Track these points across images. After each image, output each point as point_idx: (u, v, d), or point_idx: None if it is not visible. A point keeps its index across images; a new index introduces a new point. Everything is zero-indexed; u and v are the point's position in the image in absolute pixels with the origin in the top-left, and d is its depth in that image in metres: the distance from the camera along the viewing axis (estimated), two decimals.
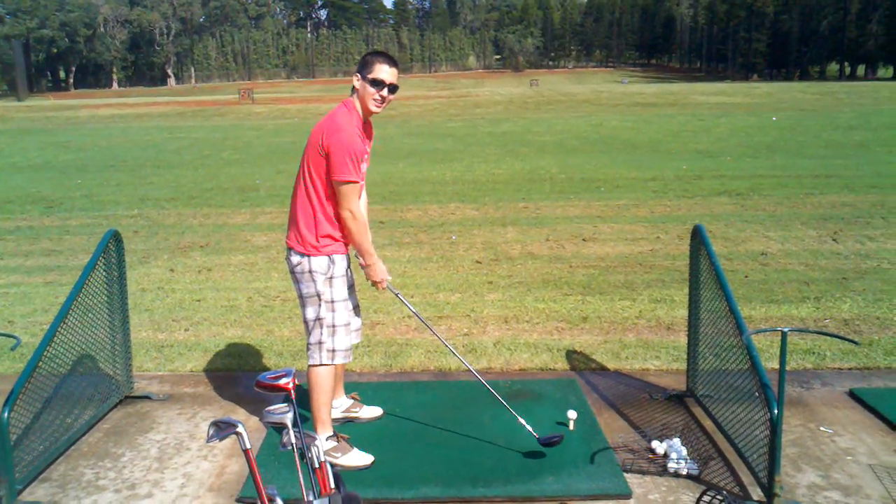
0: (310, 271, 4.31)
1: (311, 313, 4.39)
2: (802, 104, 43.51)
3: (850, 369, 5.79)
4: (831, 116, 33.49)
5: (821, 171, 16.45)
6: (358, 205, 4.29)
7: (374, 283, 4.53)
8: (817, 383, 5.53)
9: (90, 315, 4.96)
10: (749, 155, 20.11)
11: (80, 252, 10.22)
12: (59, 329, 4.47)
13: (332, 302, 4.37)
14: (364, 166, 4.43)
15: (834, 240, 10.05)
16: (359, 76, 4.31)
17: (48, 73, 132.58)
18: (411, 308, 4.80)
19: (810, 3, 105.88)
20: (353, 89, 4.36)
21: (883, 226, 10.89)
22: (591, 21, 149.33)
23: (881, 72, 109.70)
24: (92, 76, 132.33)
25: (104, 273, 5.14)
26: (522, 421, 4.61)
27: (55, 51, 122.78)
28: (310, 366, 4.44)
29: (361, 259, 4.47)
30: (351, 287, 4.60)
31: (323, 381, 4.41)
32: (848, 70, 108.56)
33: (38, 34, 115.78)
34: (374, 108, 4.33)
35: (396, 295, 4.72)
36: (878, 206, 12.41)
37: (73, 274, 8.46)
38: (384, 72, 4.28)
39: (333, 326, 4.39)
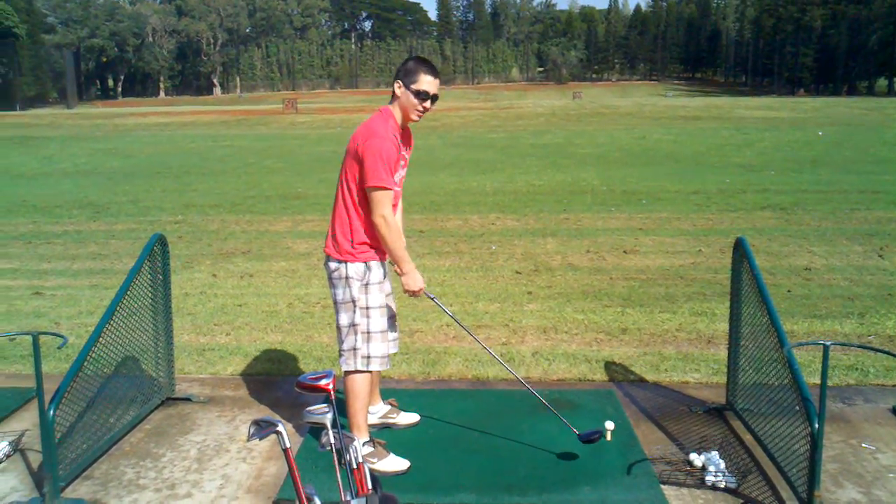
0: (346, 277, 4.34)
1: (345, 319, 4.42)
2: (849, 119, 42.88)
3: (893, 386, 5.70)
4: (879, 132, 32.95)
5: (867, 187, 16.19)
6: (391, 211, 4.25)
7: (412, 293, 4.45)
8: (860, 399, 5.45)
9: (135, 317, 5.04)
10: (794, 169, 19.86)
11: (125, 256, 10.39)
12: (104, 330, 4.54)
13: (368, 308, 4.38)
14: (401, 172, 4.44)
15: (880, 256, 9.90)
16: (401, 84, 4.28)
17: (97, 81, 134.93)
18: (448, 312, 4.82)
19: (859, 17, 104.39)
20: (393, 96, 4.34)
21: None
22: (636, 34, 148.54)
23: None
24: (140, 85, 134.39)
25: (149, 276, 5.22)
26: (563, 419, 4.68)
27: (104, 59, 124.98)
28: (345, 372, 4.47)
29: (397, 267, 4.43)
30: (388, 296, 4.62)
31: (358, 387, 4.44)
32: None
33: (88, 43, 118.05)
34: (415, 118, 4.34)
35: (433, 300, 4.73)
36: None
37: (118, 277, 8.60)
38: (428, 83, 4.27)
39: (368, 332, 4.40)
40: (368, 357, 4.41)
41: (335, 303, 4.46)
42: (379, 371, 4.61)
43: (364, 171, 4.16)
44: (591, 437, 4.55)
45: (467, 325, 4.99)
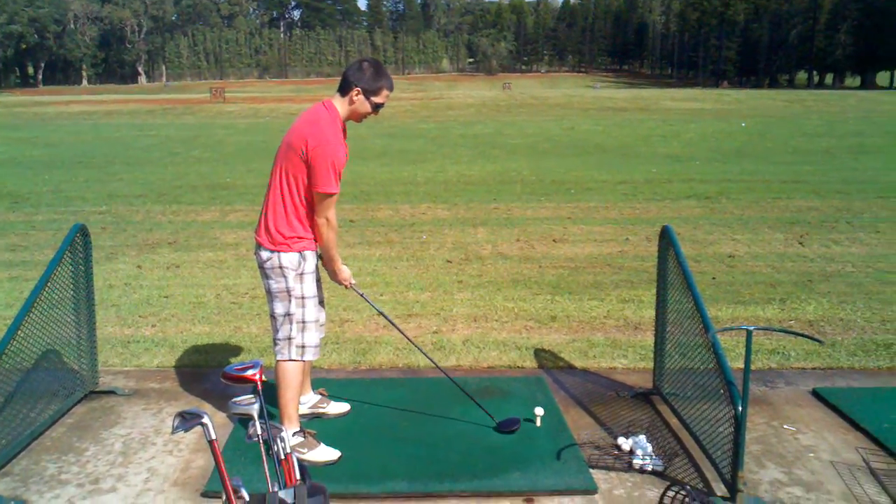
0: (280, 267, 4.30)
1: (280, 308, 4.38)
2: (771, 111, 43.97)
3: (813, 369, 5.87)
4: (799, 123, 33.87)
5: (788, 177, 16.64)
6: (334, 213, 4.32)
7: (338, 282, 4.64)
8: (781, 382, 5.59)
9: (55, 310, 4.90)
10: (718, 160, 20.30)
11: (46, 247, 10.09)
12: (22, 323, 4.42)
13: (303, 298, 4.37)
14: None
15: (800, 243, 10.17)
16: (361, 92, 4.26)
17: (16, 69, 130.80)
18: (376, 307, 4.84)
19: (780, 12, 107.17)
20: (347, 96, 4.29)
21: (848, 230, 11.04)
22: (564, 26, 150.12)
23: (848, 81, 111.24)
24: (61, 73, 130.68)
25: (70, 267, 5.09)
26: (482, 406, 4.79)
27: (24, 46, 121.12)
28: (278, 361, 4.43)
29: (326, 263, 4.55)
30: (318, 282, 4.60)
31: (290, 376, 4.40)
32: (816, 78, 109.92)
33: (6, 30, 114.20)
34: (359, 121, 4.47)
35: (361, 295, 4.75)
36: (844, 210, 12.58)
37: (38, 269, 8.33)
38: (387, 96, 4.35)
39: (304, 322, 4.38)
40: (303, 347, 4.40)
41: (269, 292, 4.41)
42: (311, 361, 4.59)
43: (314, 176, 4.17)
44: (511, 428, 4.65)
45: (396, 317, 4.99)
